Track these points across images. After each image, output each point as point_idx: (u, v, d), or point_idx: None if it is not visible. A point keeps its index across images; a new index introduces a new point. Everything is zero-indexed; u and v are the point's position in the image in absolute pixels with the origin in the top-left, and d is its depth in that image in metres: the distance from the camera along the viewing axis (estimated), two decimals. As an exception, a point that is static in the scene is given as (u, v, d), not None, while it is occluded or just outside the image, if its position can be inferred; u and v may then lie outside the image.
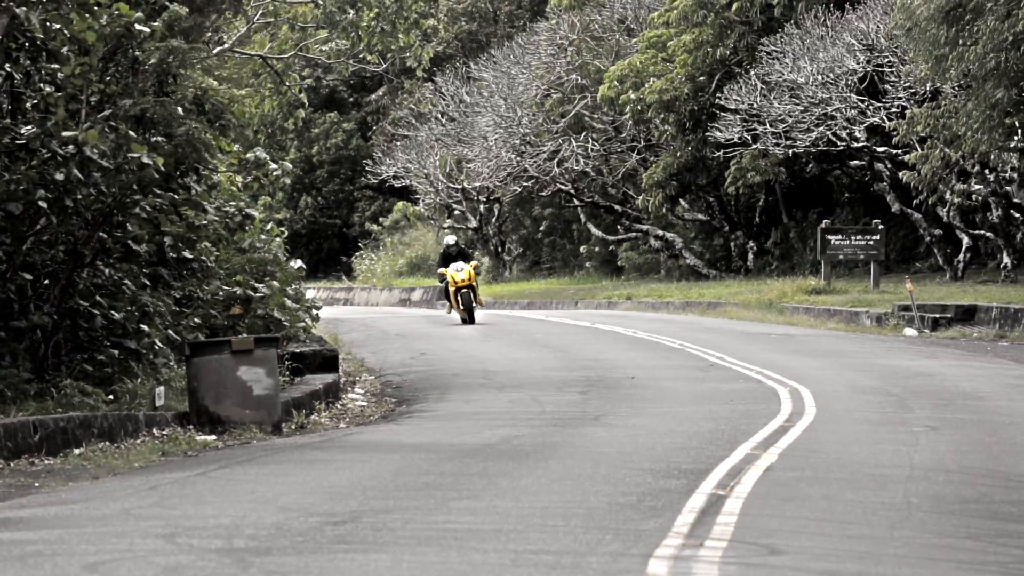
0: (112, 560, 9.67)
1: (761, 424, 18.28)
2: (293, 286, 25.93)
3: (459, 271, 38.03)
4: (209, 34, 23.15)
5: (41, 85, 18.12)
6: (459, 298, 38.19)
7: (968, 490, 13.79)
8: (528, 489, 13.18)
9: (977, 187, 43.42)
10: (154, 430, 17.79)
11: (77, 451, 16.07)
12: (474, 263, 38.81)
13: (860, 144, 46.91)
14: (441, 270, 38.87)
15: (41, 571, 9.28)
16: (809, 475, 14.33)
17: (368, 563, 9.73)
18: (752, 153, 49.16)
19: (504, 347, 31.02)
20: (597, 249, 63.29)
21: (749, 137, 48.18)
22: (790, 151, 47.69)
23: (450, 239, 40.49)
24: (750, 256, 55.24)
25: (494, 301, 55.90)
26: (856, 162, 49.11)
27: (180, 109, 18.83)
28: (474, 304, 38.53)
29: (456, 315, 39.21)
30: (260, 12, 31.70)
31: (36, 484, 14.04)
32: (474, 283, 38.31)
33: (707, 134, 50.05)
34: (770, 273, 52.68)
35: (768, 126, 47.29)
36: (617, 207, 59.56)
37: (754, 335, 33.61)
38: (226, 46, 30.07)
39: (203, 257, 20.76)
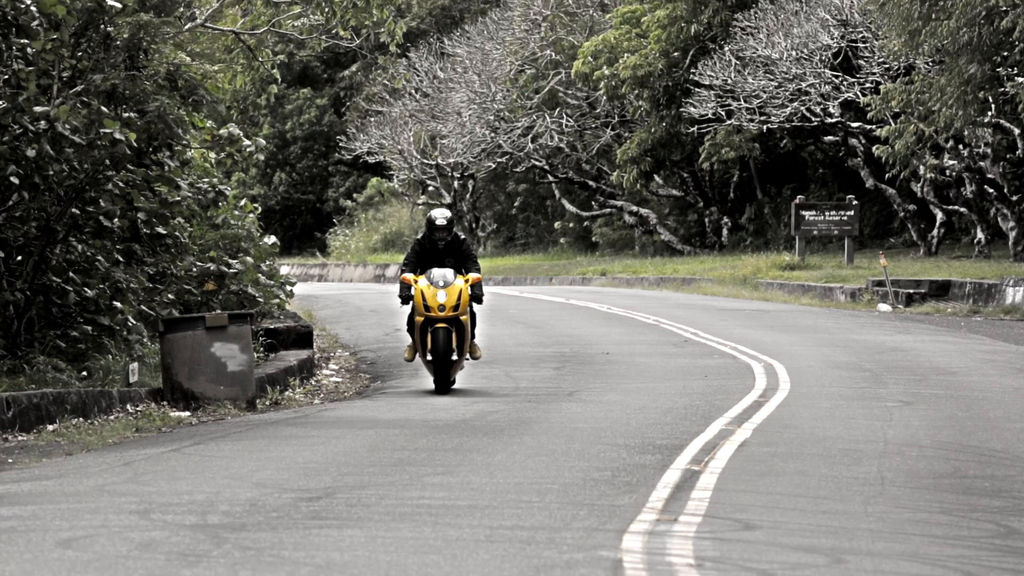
0: (86, 536, 9.64)
1: (735, 399, 18.30)
2: (267, 262, 25.87)
3: (441, 286, 19.16)
4: (181, 9, 23.02)
5: (11, 60, 18.01)
6: (433, 341, 19.15)
7: (942, 465, 13.83)
8: (502, 465, 13.18)
9: (951, 162, 43.50)
10: (128, 406, 17.74)
11: (50, 427, 16.02)
12: (474, 275, 19.40)
13: (834, 120, 46.95)
14: (407, 275, 19.39)
15: (15, 547, 9.25)
16: (783, 450, 14.35)
17: (343, 539, 9.72)
18: (726, 129, 49.18)
19: (479, 323, 30.99)
20: (571, 225, 63.29)
21: (723, 113, 48.20)
22: (764, 127, 47.72)
23: (440, 215, 19.65)
24: (724, 232, 55.30)
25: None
26: (830, 138, 49.16)
27: (152, 85, 18.74)
28: (459, 358, 19.47)
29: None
30: (233, -13, 31.53)
31: (9, 460, 13.99)
32: (466, 316, 19.32)
33: (681, 110, 50.05)
34: (744, 249, 52.76)
35: (742, 102, 47.31)
36: (591, 183, 59.56)
37: (728, 311, 33.65)
38: (198, 21, 29.94)
39: (176, 233, 20.69)
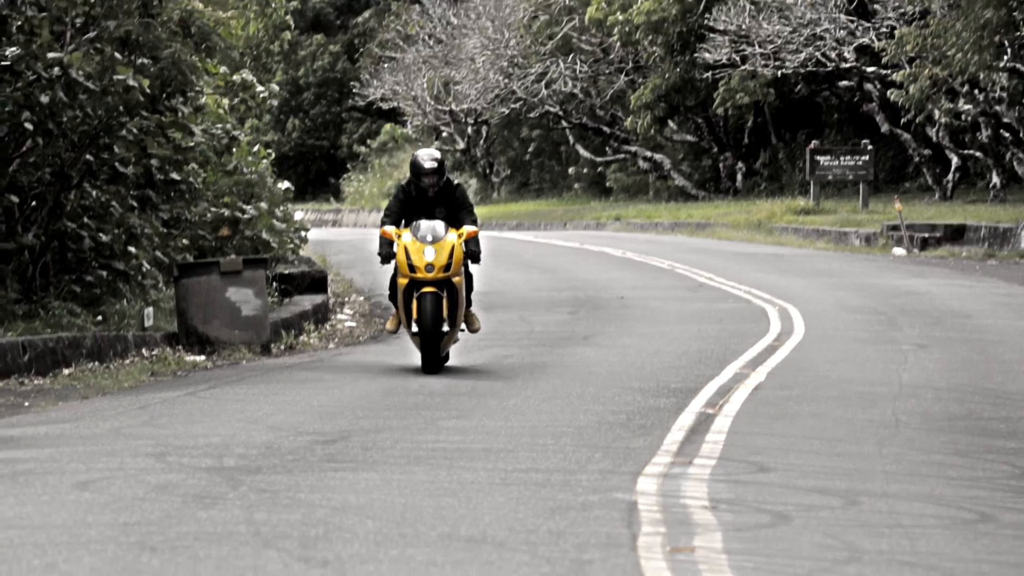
0: (103, 478, 9.68)
1: (750, 343, 18.30)
2: (281, 208, 25.86)
3: (429, 241, 15.47)
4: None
5: (25, 7, 17.97)
6: (419, 309, 15.44)
7: (956, 407, 13.82)
8: (517, 408, 13.20)
9: (966, 107, 43.31)
10: (143, 351, 17.78)
11: (66, 371, 16.06)
12: (470, 228, 15.67)
13: (849, 65, 46.74)
14: (388, 229, 15.67)
15: (32, 489, 9.29)
16: (798, 393, 14.36)
17: (358, 482, 9.74)
18: (741, 74, 48.98)
19: (493, 268, 30.99)
20: (585, 171, 63.16)
21: (738, 58, 47.99)
22: (779, 72, 47.52)
23: (427, 157, 15.72)
24: (739, 177, 55.18)
25: (483, 223, 55.82)
26: (845, 83, 48.95)
27: (166, 31, 18.69)
28: (451, 330, 15.73)
29: (406, 338, 16.67)
30: (246, -68, 31.44)
31: (26, 404, 14.04)
32: (459, 278, 15.66)
33: (695, 56, 49.85)
34: (759, 194, 52.64)
35: (757, 47, 47.11)
36: (605, 128, 59.40)
37: (743, 255, 33.61)
38: (212, -34, 29.82)
39: (190, 179, 20.68)
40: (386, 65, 67.38)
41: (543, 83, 57.46)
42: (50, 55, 17.40)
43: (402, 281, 15.34)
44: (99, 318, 18.44)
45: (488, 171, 68.32)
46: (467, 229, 15.50)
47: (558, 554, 7.81)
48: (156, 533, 8.03)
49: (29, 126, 17.48)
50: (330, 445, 11.18)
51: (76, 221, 18.94)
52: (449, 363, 16.12)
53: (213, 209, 22.98)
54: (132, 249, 19.55)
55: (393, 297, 15.64)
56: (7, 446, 11.19)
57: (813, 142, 47.25)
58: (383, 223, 15.52)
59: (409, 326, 15.38)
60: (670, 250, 35.42)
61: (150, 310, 18.89)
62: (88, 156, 18.61)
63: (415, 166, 15.52)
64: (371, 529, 8.29)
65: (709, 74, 49.72)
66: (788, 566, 7.80)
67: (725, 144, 56.18)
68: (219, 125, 23.69)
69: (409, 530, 8.29)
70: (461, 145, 67.64)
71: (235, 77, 24.22)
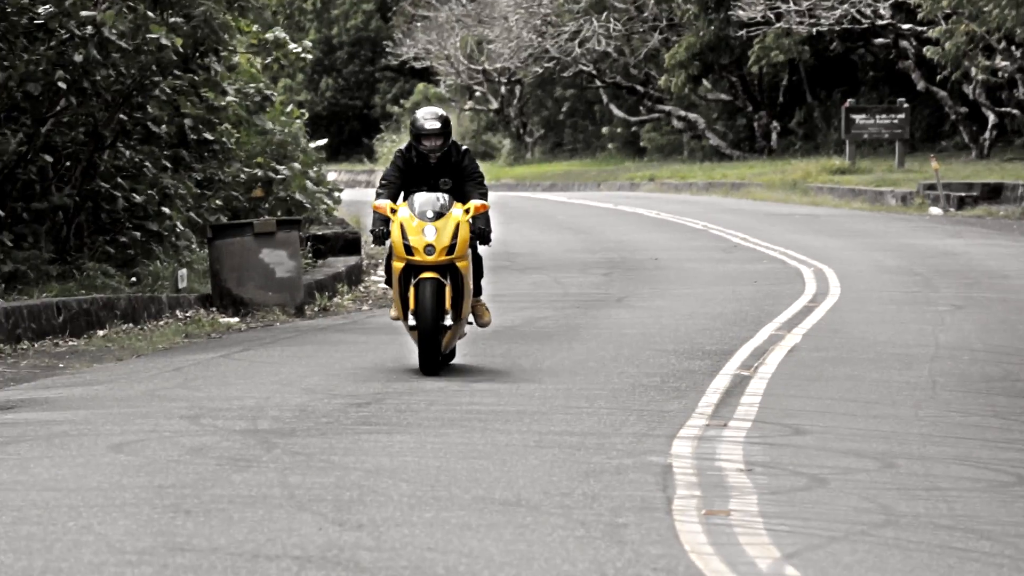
0: (137, 441, 9.68)
1: (785, 305, 18.22)
2: (314, 168, 25.84)
3: (430, 218, 13.02)
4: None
5: (58, -35, 17.95)
6: (417, 297, 12.94)
7: (994, 368, 13.74)
8: (551, 371, 13.16)
9: (1003, 63, 42.99)
10: (177, 312, 17.80)
11: (101, 333, 16.09)
12: (478, 202, 13.19)
13: (885, 22, 46.42)
14: (382, 203, 13.20)
15: (67, 451, 9.30)
16: (833, 355, 14.29)
17: (392, 444, 9.73)
18: (775, 32, 48.71)
19: (526, 229, 30.95)
20: (619, 130, 62.98)
21: (772, 16, 47.72)
22: (814, 30, 47.24)
23: (429, 116, 13.19)
24: (774, 136, 54.94)
25: (516, 183, 55.74)
26: (881, 40, 48.64)
27: (198, -11, 18.65)
28: (456, 324, 13.11)
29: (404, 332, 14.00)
30: None
31: (61, 365, 14.07)
32: (465, 262, 13.12)
33: (730, 13, 49.58)
34: (794, 153, 52.41)
35: (791, 4, 46.81)
36: (639, 88, 59.19)
37: (778, 216, 33.48)
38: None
39: (224, 139, 20.66)
40: (419, 24, 67.23)
41: (576, 42, 57.27)
42: (83, 13, 17.38)
43: (397, 265, 12.78)
44: (133, 279, 18.47)
45: (522, 131, 68.17)
46: (475, 203, 12.89)
47: (592, 517, 7.79)
48: (190, 496, 8.02)
49: (63, 85, 17.47)
50: (364, 408, 11.16)
51: (110, 181, 18.95)
52: (456, 361, 13.74)
53: (246, 170, 22.97)
54: (166, 210, 19.55)
55: (386, 273, 13.25)
56: (42, 407, 11.21)
57: (848, 100, 46.99)
58: (377, 195, 13.04)
59: (406, 318, 12.79)
60: (704, 211, 35.31)
61: (184, 271, 18.90)
62: (121, 115, 18.60)
63: (414, 127, 12.95)
64: (405, 492, 8.27)
65: (743, 32, 49.46)
66: (824, 529, 7.76)
67: (760, 103, 55.93)
68: (252, 84, 23.65)
69: (443, 493, 8.27)
70: (494, 105, 67.49)
71: (268, 36, 24.19)
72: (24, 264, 17.12)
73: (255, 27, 23.75)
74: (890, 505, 8.36)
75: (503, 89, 66.99)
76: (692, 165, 53.79)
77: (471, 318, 13.32)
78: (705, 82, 56.05)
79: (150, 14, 17.88)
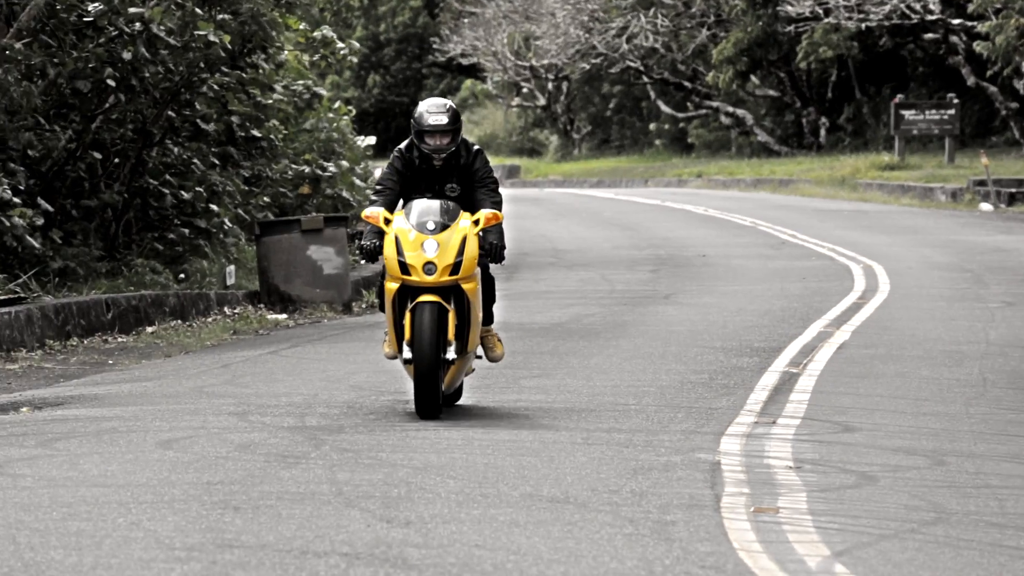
0: (186, 437, 9.70)
1: (834, 301, 18.14)
2: (362, 165, 25.87)
3: (431, 230, 10.74)
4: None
5: (107, -37, 18.02)
6: (413, 325, 10.63)
7: (1045, 367, 13.65)
8: (599, 368, 13.14)
9: (1054, 60, 42.70)
10: (225, 309, 17.85)
11: (149, 329, 16.15)
12: (489, 212, 10.86)
13: (935, 17, 46.16)
14: (375, 211, 10.88)
15: (116, 447, 9.33)
16: (883, 352, 14.21)
17: (440, 441, 9.72)
18: (824, 27, 48.51)
19: (574, 225, 30.91)
20: (667, 127, 62.84)
21: (821, 11, 47.52)
22: (863, 25, 47.02)
23: (434, 109, 11.00)
24: (822, 132, 54.73)
25: (563, 180, 55.70)
26: (930, 35, 48.37)
27: (246, -14, 18.70)
28: (460, 358, 10.75)
29: (399, 365, 11.61)
30: None
31: (110, 361, 14.12)
32: (473, 284, 10.84)
33: (778, 8, 49.40)
34: (842, 149, 52.20)
35: (840, 0, 46.61)
36: (687, 84, 59.05)
37: (826, 212, 33.35)
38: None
39: (271, 136, 20.70)
40: (466, 20, 67.24)
41: (624, 38, 57.17)
42: (132, 10, 17.44)
43: (391, 287, 10.59)
44: (181, 276, 18.53)
45: (569, 128, 68.11)
46: (485, 213, 10.69)
47: (641, 515, 7.76)
48: (239, 492, 8.03)
49: (111, 82, 17.54)
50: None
51: (158, 178, 19.01)
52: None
53: (294, 166, 23.01)
54: (214, 207, 19.61)
55: (378, 298, 11.08)
56: (92, 404, 11.26)
57: (898, 96, 46.76)
58: (370, 203, 10.94)
59: (401, 350, 10.55)
60: (752, 207, 35.19)
61: (232, 268, 18.96)
62: (170, 112, 18.66)
63: (416, 122, 10.88)
64: (453, 489, 8.26)
65: (792, 27, 49.27)
66: (874, 527, 7.72)
67: (808, 99, 55.71)
68: (299, 82, 23.69)
69: (491, 490, 8.25)
70: (542, 101, 67.44)
71: (315, 33, 24.22)
72: (73, 261, 17.20)
73: (302, 24, 23.79)
74: (941, 503, 8.30)
75: (550, 85, 66.93)
76: (740, 161, 53.62)
77: (480, 351, 11.01)
78: (753, 78, 55.87)
79: (198, 11, 17.93)
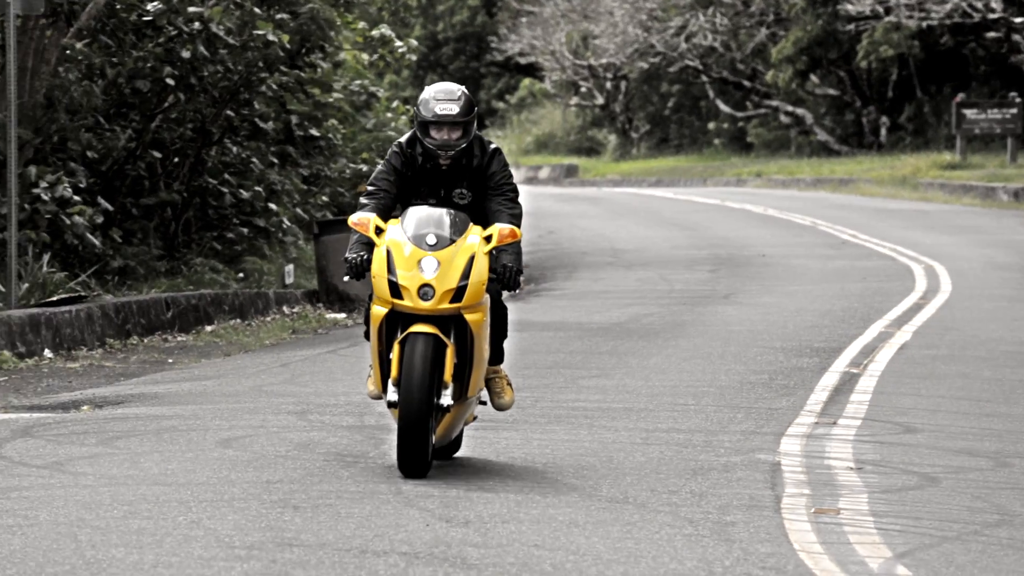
0: (245, 436, 9.72)
1: (895, 302, 18.01)
2: (420, 164, 25.85)
3: (431, 244, 8.67)
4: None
5: (167, -37, 18.10)
6: (402, 360, 8.54)
7: (1109, 368, 13.51)
8: (658, 368, 13.08)
9: (1118, 58, 42.33)
10: (284, 308, 17.89)
11: (209, 328, 16.20)
12: (503, 227, 8.75)
13: (996, 15, 45.83)
14: (363, 216, 8.74)
15: (176, 446, 9.35)
16: (945, 353, 14.10)
17: (499, 441, 9.70)
18: (884, 26, 48.25)
19: (633, 225, 30.84)
20: (726, 126, 62.65)
21: (881, 9, 47.26)
22: (924, 24, 46.73)
23: (442, 96, 8.85)
24: (883, 132, 54.43)
25: (621, 179, 55.62)
26: (992, 34, 48.03)
27: (305, -14, 18.74)
28: (458, 404, 8.67)
29: (384, 407, 9.41)
30: None
31: (170, 360, 14.17)
32: (479, 315, 8.72)
33: (838, 7, 49.16)
34: (903, 149, 51.89)
35: (901, -2, 46.34)
36: (746, 83, 58.85)
37: (887, 211, 33.15)
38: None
39: (330, 135, 20.74)
40: (524, 19, 67.24)
41: (683, 36, 57.04)
42: (191, 9, 17.51)
43: (378, 311, 8.59)
44: (240, 275, 18.59)
45: (627, 127, 68.03)
46: (500, 229, 8.68)
47: (700, 515, 7.72)
48: (298, 491, 8.04)
49: (171, 81, 17.61)
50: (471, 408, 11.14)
51: (217, 177, 19.07)
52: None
53: (352, 165, 23.05)
54: (272, 206, 19.66)
55: (364, 322, 8.93)
56: (152, 402, 11.30)
57: (959, 95, 46.44)
58: (359, 206, 8.85)
59: (385, 388, 8.62)
60: (812, 207, 35.01)
61: (291, 267, 19.00)
62: (229, 112, 18.72)
63: (421, 110, 8.83)
64: (512, 489, 8.24)
65: (852, 26, 49.03)
66: (936, 528, 7.65)
67: (868, 98, 55.42)
68: (358, 81, 23.73)
69: (550, 490, 8.23)
70: (600, 100, 67.41)
71: (374, 32, 24.26)
72: (133, 260, 17.28)
73: (361, 24, 23.83)
74: (1004, 505, 8.23)
75: (608, 84, 66.86)
76: (799, 161, 53.38)
77: (483, 394, 8.96)
78: (813, 77, 55.62)
79: (257, 10, 17.98)
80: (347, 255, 8.72)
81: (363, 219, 8.65)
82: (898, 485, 8.69)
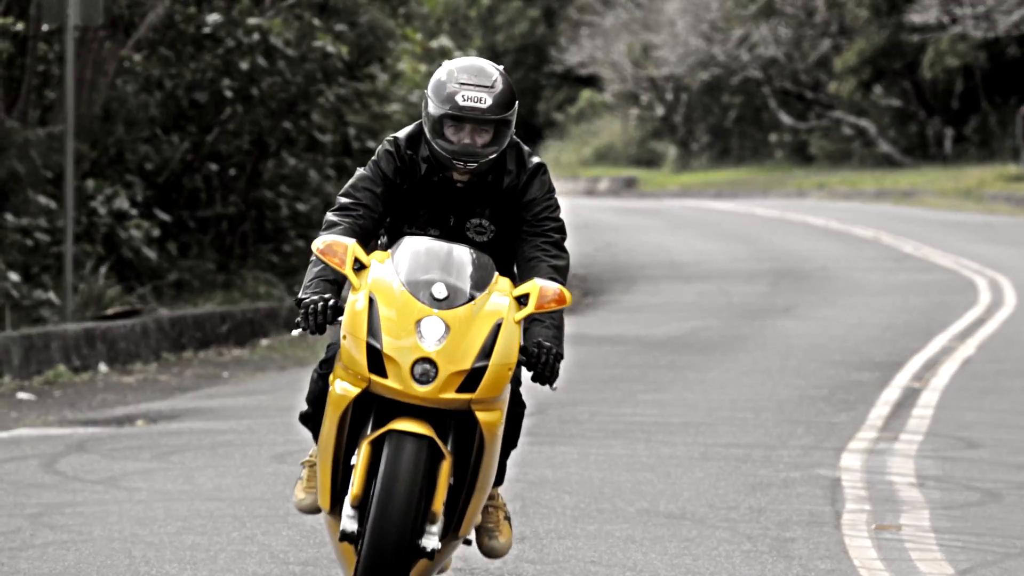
0: (300, 451, 9.66)
1: (958, 315, 17.83)
2: (478, 176, 25.84)
3: (440, 297, 5.65)
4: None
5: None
6: (387, 472, 5.51)
7: None
8: (716, 382, 12.98)
9: None
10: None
11: (264, 342, 16.19)
12: (547, 284, 5.82)
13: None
14: (331, 241, 5.69)
15: (231, 460, 9.32)
16: (1009, 368, 13.93)
17: (555, 456, 9.62)
18: (950, 37, 47.95)
19: (691, 238, 30.72)
20: (787, 138, 62.42)
21: (947, 20, 46.96)
22: (990, 34, 46.41)
23: (470, 80, 5.84)
24: (947, 143, 54.08)
25: (682, 191, 55.49)
26: (1057, 44, 47.66)
27: (364, -3, 18.74)
28: (444, 544, 5.68)
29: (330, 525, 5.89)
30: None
31: (224, 374, 14.16)
32: (495, 414, 5.74)
33: (903, 17, 48.90)
34: (968, 160, 51.54)
35: (967, 8, 46.04)
36: (808, 94, 58.61)
37: (950, 224, 32.90)
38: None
39: (388, 147, 20.72)
40: (585, 30, 67.23)
41: (745, 47, 56.88)
42: (250, 21, 17.53)
43: (342, 390, 5.79)
44: (296, 289, 18.59)
45: (688, 138, 67.89)
46: (541, 287, 5.91)
47: (759, 531, 7.64)
48: (350, 506, 7.97)
49: (229, 93, 17.63)
50: (526, 419, 11.06)
51: (274, 190, 19.08)
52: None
53: (410, 178, 23.02)
54: (330, 218, 19.64)
55: (307, 419, 6.13)
56: (206, 417, 11.28)
57: None
58: (326, 224, 6.01)
59: (336, 508, 5.85)
60: (874, 219, 34.79)
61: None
62: (286, 124, 18.72)
63: (435, 97, 5.93)
64: (568, 504, 8.17)
65: (917, 36, 48.75)
66: (999, 545, 7.55)
67: (933, 109, 55.09)
68: (416, 92, 23.73)
69: (607, 505, 8.15)
70: (660, 112, 67.30)
71: (433, 43, 24.24)
72: (189, 273, 17.30)
73: (419, 35, 23.82)
74: (1069, 523, 8.10)
75: (669, 96, 66.74)
76: (862, 172, 53.10)
77: (471, 533, 6.02)
78: (876, 88, 55.34)
79: (316, 22, 17.99)
80: (301, 294, 5.88)
81: (335, 245, 5.71)
82: (960, 501, 8.58)
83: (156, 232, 16.55)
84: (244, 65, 17.56)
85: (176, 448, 9.83)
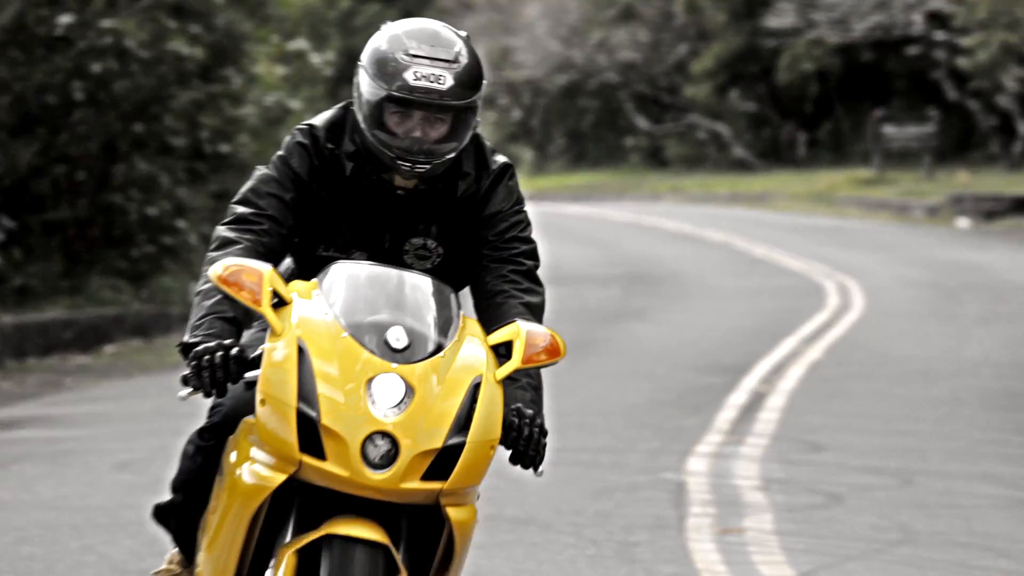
0: (144, 459, 9.56)
1: (807, 319, 18.04)
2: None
3: (399, 347, 4.04)
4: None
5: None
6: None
7: (1017, 384, 13.56)
8: (567, 386, 13.00)
9: (1033, 75, 42.77)
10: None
11: (110, 348, 15.99)
12: (533, 328, 4.17)
13: (918, 32, 46.23)
14: (237, 265, 4.00)
15: (72, 469, 9.19)
16: (855, 371, 14.12)
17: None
18: (806, 41, 48.57)
19: (546, 242, 30.81)
20: (643, 142, 62.87)
21: (804, 24, 47.55)
22: (845, 39, 47.06)
23: (419, 48, 4.32)
24: (801, 147, 54.77)
25: (538, 195, 55.63)
26: (913, 50, 48.43)
27: (220, -1, 18.58)
28: None
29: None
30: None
31: (67, 381, 13.95)
32: (464, 512, 4.21)
33: (760, 21, 49.46)
34: (821, 164, 52.22)
35: (823, 13, 46.66)
36: (665, 98, 59.08)
37: (802, 228, 33.31)
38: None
39: (241, 151, 20.55)
40: (444, 35, 67.14)
41: (603, 51, 57.21)
42: (103, 23, 17.29)
43: (262, 480, 4.08)
44: (144, 294, 18.37)
45: (544, 142, 68.12)
46: (528, 332, 4.27)
47: (604, 536, 7.67)
48: (193, 515, 7.88)
49: (80, 95, 17.39)
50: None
51: (123, 194, 18.85)
52: None
53: (265, 181, 22.85)
54: (180, 223, 19.44)
55: (183, 512, 4.60)
56: (48, 425, 11.11)
57: (877, 110, 46.81)
58: (218, 242, 4.38)
59: None
60: (727, 223, 35.15)
61: (195, 286, 18.80)
62: (137, 127, 18.51)
63: (373, 70, 4.37)
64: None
65: (774, 41, 49.34)
66: (839, 547, 7.64)
67: (787, 113, 55.77)
68: (271, 95, 23.56)
69: (451, 512, 8.12)
70: (517, 115, 67.47)
71: (290, 46, 24.10)
72: (34, 278, 17.04)
73: (276, 37, 23.66)
74: (907, 523, 8.22)
75: (527, 99, 66.91)
76: (717, 176, 53.62)
77: None
78: (732, 93, 55.91)
79: (171, 24, 17.79)
80: (189, 338, 4.31)
81: (244, 272, 4.17)
82: (803, 504, 8.67)
83: (1, 237, 16.28)
84: (96, 68, 17.32)
85: (16, 457, 9.67)
